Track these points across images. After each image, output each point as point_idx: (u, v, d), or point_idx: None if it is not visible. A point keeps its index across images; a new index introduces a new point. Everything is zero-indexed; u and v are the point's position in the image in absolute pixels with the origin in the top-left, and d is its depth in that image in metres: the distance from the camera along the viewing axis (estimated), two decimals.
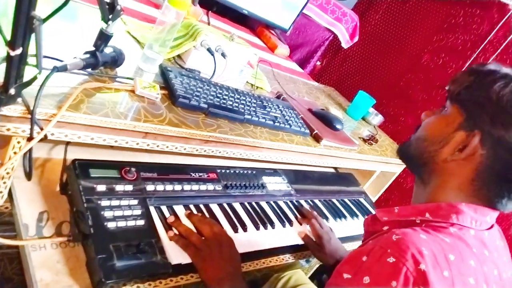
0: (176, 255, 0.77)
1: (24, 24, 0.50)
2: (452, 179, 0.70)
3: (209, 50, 1.07)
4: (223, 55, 1.09)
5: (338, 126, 1.35)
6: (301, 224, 1.13)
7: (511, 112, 0.63)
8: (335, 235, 1.16)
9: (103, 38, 0.73)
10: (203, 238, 0.82)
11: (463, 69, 0.74)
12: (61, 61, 0.70)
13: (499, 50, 1.95)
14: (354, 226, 1.31)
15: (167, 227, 0.82)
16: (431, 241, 0.61)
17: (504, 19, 1.93)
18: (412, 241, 0.59)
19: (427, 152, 0.74)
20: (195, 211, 0.91)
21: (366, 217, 0.81)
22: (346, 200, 1.43)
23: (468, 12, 2.08)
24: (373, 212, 1.47)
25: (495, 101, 0.64)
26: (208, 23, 1.57)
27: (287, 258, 1.02)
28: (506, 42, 1.92)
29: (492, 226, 0.73)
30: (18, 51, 0.52)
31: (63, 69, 0.67)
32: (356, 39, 2.26)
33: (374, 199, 1.75)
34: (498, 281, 0.67)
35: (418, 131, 0.78)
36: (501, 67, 0.68)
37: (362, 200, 1.51)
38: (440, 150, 0.71)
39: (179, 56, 1.10)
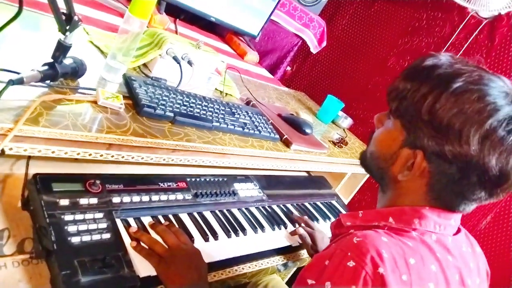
0: (144, 267, 0.76)
1: None
2: (407, 193, 0.70)
3: (175, 58, 1.06)
4: (189, 63, 1.09)
5: (307, 131, 1.37)
6: (294, 226, 1.17)
7: (444, 129, 0.61)
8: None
9: (62, 49, 0.72)
10: (167, 247, 0.81)
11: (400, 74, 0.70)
12: (18, 73, 0.69)
13: (461, 52, 2.02)
14: (327, 228, 1.32)
15: (134, 238, 0.80)
16: (392, 244, 0.61)
17: (464, 22, 2.01)
18: (373, 243, 0.59)
19: (380, 168, 0.74)
20: (163, 222, 0.90)
21: (332, 221, 0.82)
22: (318, 203, 1.44)
23: (431, 16, 2.14)
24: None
25: (427, 121, 0.63)
26: (176, 32, 1.56)
27: (260, 264, 1.02)
28: (467, 43, 1.99)
29: (458, 231, 0.74)
30: None
31: (19, 82, 0.65)
32: (324, 44, 2.29)
33: (347, 201, 1.78)
34: (459, 287, 0.68)
35: (370, 145, 0.78)
36: (437, 62, 0.65)
37: (334, 202, 1.53)
38: (391, 167, 0.70)
39: (144, 65, 1.09)
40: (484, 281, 0.78)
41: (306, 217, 1.25)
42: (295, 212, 1.29)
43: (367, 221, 0.71)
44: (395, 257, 0.59)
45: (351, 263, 0.57)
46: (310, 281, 0.59)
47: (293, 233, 1.16)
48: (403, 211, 0.69)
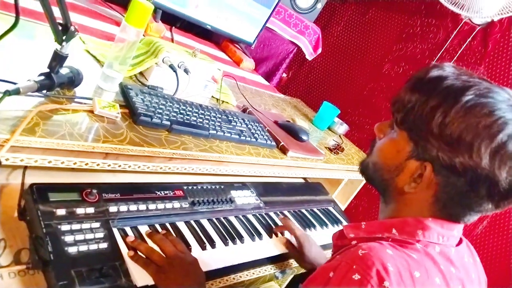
0: (142, 277, 0.76)
1: None
2: (411, 204, 0.70)
3: (171, 66, 1.06)
4: (185, 71, 1.10)
5: (304, 137, 1.37)
6: (277, 236, 1.15)
7: (454, 143, 0.62)
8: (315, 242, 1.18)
9: (58, 59, 0.72)
10: (164, 256, 0.81)
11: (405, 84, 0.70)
12: (14, 83, 0.69)
13: (455, 58, 2.03)
14: (324, 235, 1.32)
15: (131, 247, 0.80)
16: (397, 256, 0.61)
17: (458, 28, 2.03)
18: (378, 256, 0.59)
19: (384, 180, 0.73)
20: (160, 230, 0.89)
21: (335, 232, 0.81)
22: (315, 209, 1.44)
23: (425, 22, 2.17)
24: (342, 220, 1.49)
25: (437, 135, 0.63)
26: (172, 40, 1.57)
27: (258, 272, 1.02)
28: (461, 50, 2.01)
29: (460, 241, 0.74)
30: None
31: (15, 92, 0.65)
32: (319, 51, 2.31)
33: (344, 207, 1.78)
34: None
35: (372, 155, 0.77)
36: (442, 74, 0.66)
37: (331, 208, 1.53)
38: (396, 178, 0.70)
39: (141, 73, 1.10)
40: None
41: (291, 224, 1.19)
42: (276, 219, 1.26)
43: (370, 233, 0.71)
44: (400, 270, 0.58)
45: (356, 276, 0.56)
46: None
47: (277, 230, 1.15)
48: (406, 222, 0.68)
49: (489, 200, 0.63)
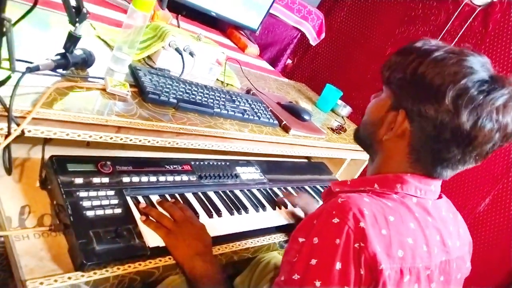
0: (153, 238, 0.83)
1: None
2: (391, 155, 0.77)
3: (177, 49, 1.12)
4: (191, 54, 1.15)
5: (306, 117, 1.42)
6: (280, 208, 1.21)
7: (425, 89, 0.69)
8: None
9: (72, 40, 0.79)
10: (174, 220, 0.88)
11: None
12: (32, 63, 0.75)
13: (456, 39, 2.06)
14: None
15: (143, 213, 0.87)
16: (373, 203, 0.68)
17: (459, 10, 2.05)
18: (355, 202, 0.66)
19: (369, 134, 0.81)
20: (170, 199, 0.96)
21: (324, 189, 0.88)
22: (318, 186, 1.50)
23: (426, 5, 2.19)
24: None
25: (410, 80, 0.71)
26: (178, 27, 1.62)
27: (262, 240, 1.08)
28: (462, 31, 2.04)
29: (440, 197, 0.80)
30: None
31: (35, 69, 0.72)
32: (323, 36, 2.34)
33: None
34: (440, 246, 0.74)
35: (363, 117, 0.85)
36: (427, 43, 0.73)
37: None
38: (378, 131, 0.77)
39: (149, 57, 1.16)
40: (464, 245, 0.83)
41: (293, 193, 1.25)
42: (279, 193, 1.32)
43: (354, 187, 0.78)
44: (375, 214, 0.65)
45: (335, 220, 0.64)
46: (300, 240, 0.66)
47: (279, 201, 1.22)
48: (387, 177, 0.75)
49: (455, 146, 0.69)
